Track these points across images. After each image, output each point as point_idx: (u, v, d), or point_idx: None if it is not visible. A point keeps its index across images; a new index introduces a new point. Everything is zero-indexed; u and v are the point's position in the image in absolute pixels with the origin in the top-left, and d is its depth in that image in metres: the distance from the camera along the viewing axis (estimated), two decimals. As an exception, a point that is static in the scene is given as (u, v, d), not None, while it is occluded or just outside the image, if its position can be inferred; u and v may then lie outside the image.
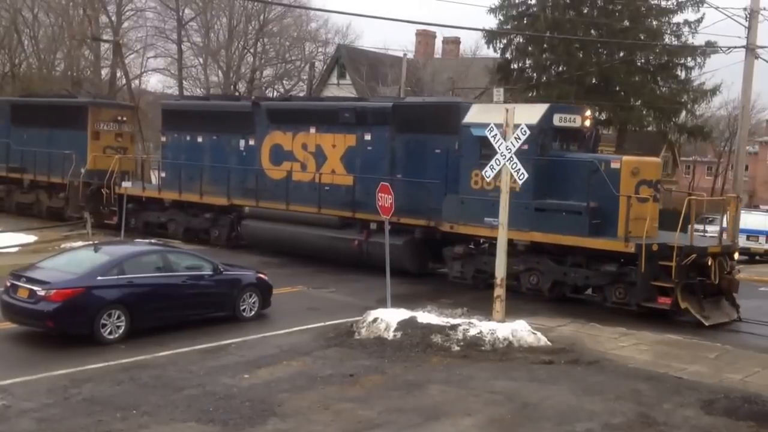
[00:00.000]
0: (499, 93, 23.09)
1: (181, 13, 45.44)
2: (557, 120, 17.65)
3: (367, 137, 20.69)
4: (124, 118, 28.66)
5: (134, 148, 29.11)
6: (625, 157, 17.35)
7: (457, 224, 18.51)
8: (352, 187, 20.64)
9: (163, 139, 26.00)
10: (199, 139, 24.37)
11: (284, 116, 22.67)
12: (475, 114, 18.36)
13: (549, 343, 13.54)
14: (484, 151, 16.99)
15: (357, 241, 20.13)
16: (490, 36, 37.93)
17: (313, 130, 21.74)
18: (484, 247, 18.72)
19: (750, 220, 29.28)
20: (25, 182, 29.08)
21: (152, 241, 16.57)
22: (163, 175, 25.43)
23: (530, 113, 17.16)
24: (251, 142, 23.17)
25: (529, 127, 16.23)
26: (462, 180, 18.46)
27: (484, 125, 16.63)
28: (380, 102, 21.68)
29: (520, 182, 14.88)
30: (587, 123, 18.40)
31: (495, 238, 17.29)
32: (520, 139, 14.20)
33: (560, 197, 17.17)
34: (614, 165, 16.71)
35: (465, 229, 18.38)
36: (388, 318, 13.90)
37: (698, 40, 35.95)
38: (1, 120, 30.22)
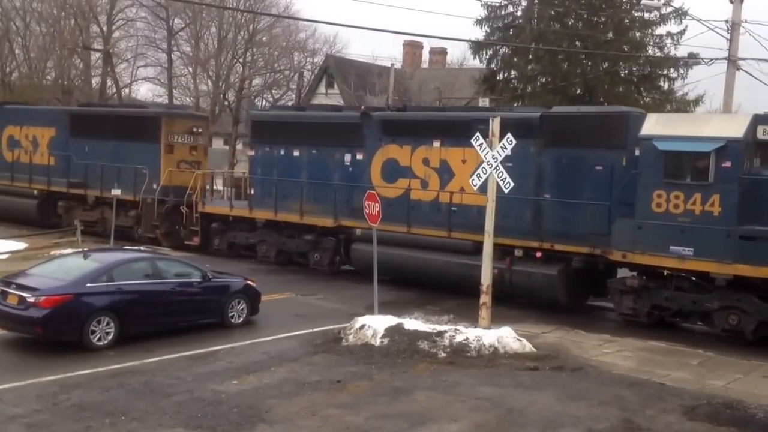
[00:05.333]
0: (484, 103, 23.33)
1: (171, 23, 45.51)
2: (761, 133, 15.27)
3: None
4: (200, 130, 26.10)
5: (207, 162, 26.51)
6: None
7: (632, 253, 15.85)
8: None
9: (251, 152, 23.93)
10: (296, 153, 22.13)
11: (402, 128, 20.43)
12: (654, 125, 16.04)
13: (534, 349, 13.71)
14: (670, 168, 15.26)
15: (497, 270, 17.40)
16: (477, 47, 38.18)
17: (437, 144, 19.50)
18: (642, 278, 16.18)
19: None
20: (89, 198, 26.69)
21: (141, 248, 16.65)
22: (251, 192, 23.27)
23: (731, 125, 15.40)
24: (359, 157, 20.96)
25: (735, 141, 14.85)
26: (640, 201, 15.76)
27: (672, 138, 15.17)
28: (524, 112, 19.09)
29: (506, 191, 14.67)
30: None
31: (684, 270, 15.44)
32: (506, 148, 14.34)
33: None
34: None
35: (643, 258, 15.71)
36: (375, 325, 14.03)
37: (681, 52, 36.31)
38: (58, 131, 27.95)
